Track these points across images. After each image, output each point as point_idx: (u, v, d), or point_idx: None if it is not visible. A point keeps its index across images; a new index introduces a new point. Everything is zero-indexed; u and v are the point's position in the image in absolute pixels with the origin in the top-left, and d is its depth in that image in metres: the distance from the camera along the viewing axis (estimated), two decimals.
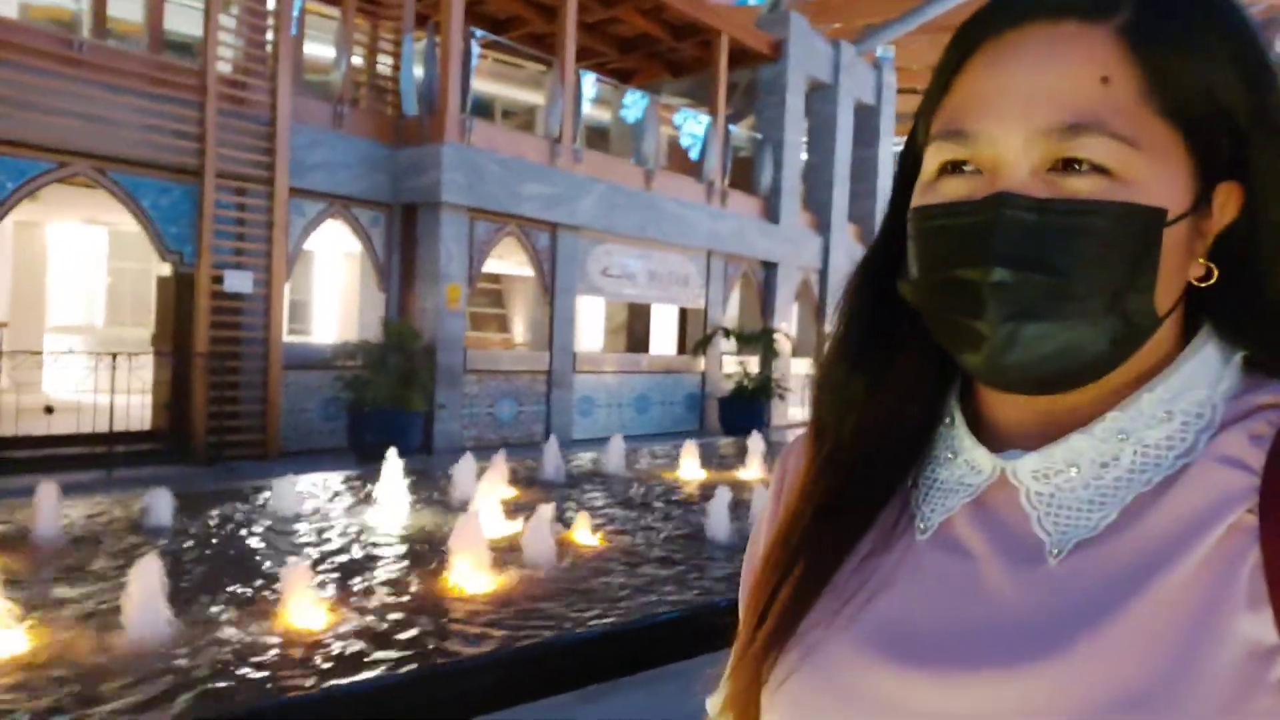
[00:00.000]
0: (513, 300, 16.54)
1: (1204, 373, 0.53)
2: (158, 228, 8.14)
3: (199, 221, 8.27)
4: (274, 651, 3.74)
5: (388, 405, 8.95)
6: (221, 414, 8.42)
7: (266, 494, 6.66)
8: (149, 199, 8.07)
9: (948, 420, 0.60)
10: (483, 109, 14.96)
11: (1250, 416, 0.50)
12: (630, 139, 13.13)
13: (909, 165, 0.58)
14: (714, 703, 0.65)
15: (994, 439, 0.57)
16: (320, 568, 4.91)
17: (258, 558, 5.22)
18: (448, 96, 9.70)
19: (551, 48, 12.04)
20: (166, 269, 8.59)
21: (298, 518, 6.16)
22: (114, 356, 7.88)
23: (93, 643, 3.70)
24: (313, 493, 7.02)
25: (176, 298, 8.48)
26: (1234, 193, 0.52)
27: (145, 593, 3.80)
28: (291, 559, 4.76)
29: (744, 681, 0.60)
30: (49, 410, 7.68)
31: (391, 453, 6.82)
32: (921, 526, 0.57)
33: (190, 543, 5.43)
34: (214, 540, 5.54)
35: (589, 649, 1.07)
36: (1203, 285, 0.53)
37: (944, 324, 0.53)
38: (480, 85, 12.50)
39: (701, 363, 13.44)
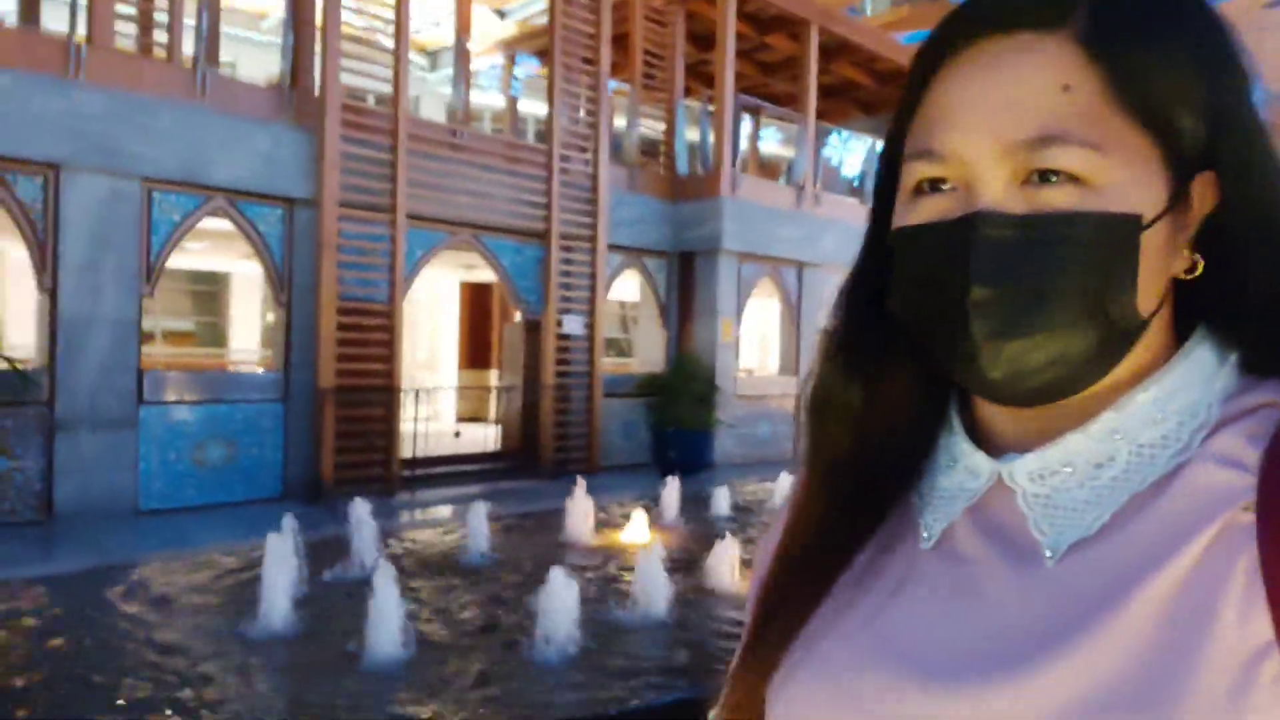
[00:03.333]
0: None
1: (1198, 373, 0.53)
2: (513, 282, 9.79)
3: (544, 275, 9.89)
4: None
5: (685, 427, 10.41)
6: (559, 435, 10.00)
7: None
8: (507, 258, 9.72)
9: (947, 428, 0.61)
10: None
11: (1246, 416, 0.50)
12: (839, 179, 14.40)
13: (886, 178, 0.59)
14: (715, 714, 0.66)
15: (993, 443, 0.57)
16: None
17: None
18: (721, 156, 11.17)
19: (778, 99, 13.46)
20: (515, 316, 10.23)
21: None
22: (494, 390, 9.54)
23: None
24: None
25: (525, 340, 10.10)
26: (1210, 181, 0.52)
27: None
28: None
29: (746, 690, 0.61)
30: (457, 434, 9.36)
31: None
32: (925, 535, 0.58)
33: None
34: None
35: None
36: (1190, 277, 0.52)
37: (929, 337, 0.54)
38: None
39: None
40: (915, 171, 0.53)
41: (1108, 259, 0.48)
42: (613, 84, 10.75)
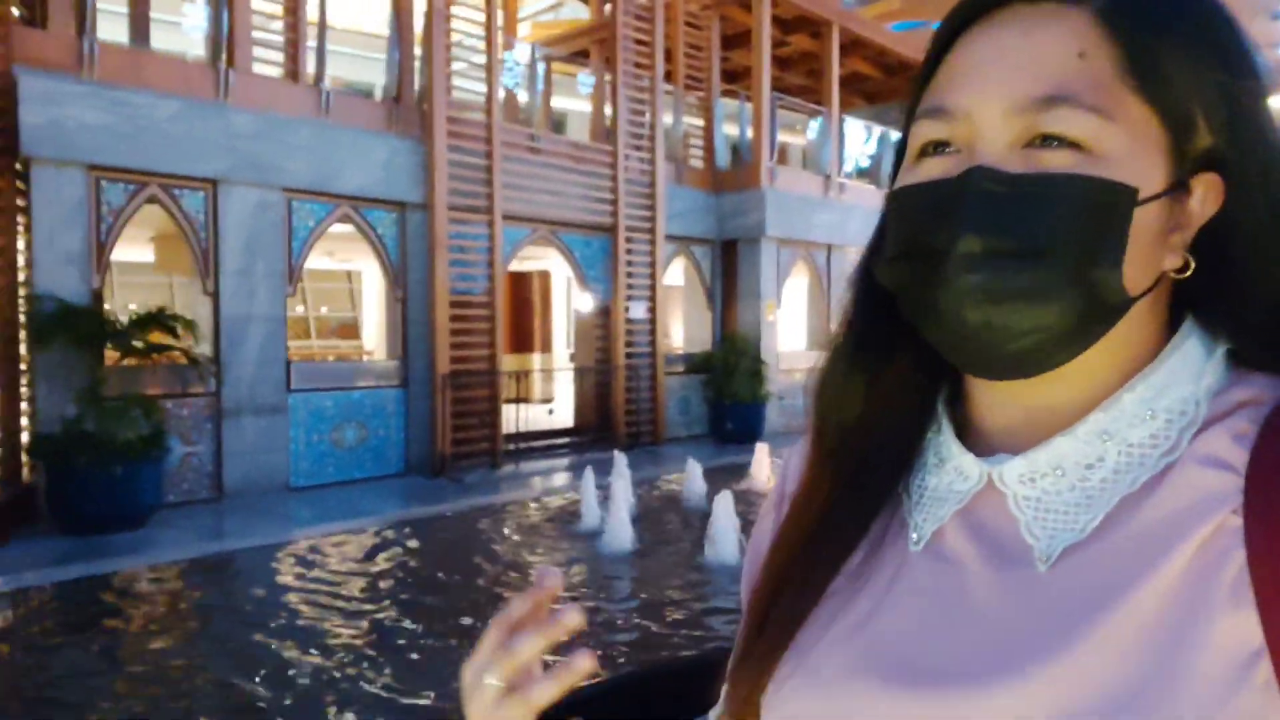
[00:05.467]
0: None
1: (1186, 369, 0.53)
2: (584, 271, 10.69)
3: (613, 265, 10.80)
4: None
5: (740, 400, 11.41)
6: (629, 410, 10.95)
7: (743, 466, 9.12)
8: (579, 251, 10.61)
9: (935, 426, 0.61)
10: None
11: (1233, 413, 0.50)
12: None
13: (902, 157, 0.58)
14: (715, 713, 0.67)
15: (981, 444, 0.58)
16: None
17: None
18: (760, 149, 12.12)
19: (790, 91, 14.41)
20: (585, 303, 11.14)
21: None
22: (576, 371, 10.45)
23: None
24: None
25: (595, 325, 11.02)
26: (1214, 185, 0.52)
27: None
28: None
29: (745, 690, 0.61)
30: (550, 412, 10.26)
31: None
32: (914, 537, 0.58)
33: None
34: None
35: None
36: (1181, 277, 0.53)
37: (914, 298, 0.54)
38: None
39: None
40: (922, 132, 0.54)
41: (1099, 225, 0.48)
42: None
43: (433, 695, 3.55)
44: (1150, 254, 0.51)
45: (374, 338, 15.02)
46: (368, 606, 4.79)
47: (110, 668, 3.90)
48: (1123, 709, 0.44)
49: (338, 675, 3.79)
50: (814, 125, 14.37)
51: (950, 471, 0.58)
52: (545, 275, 15.98)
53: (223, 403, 7.60)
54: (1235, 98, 0.50)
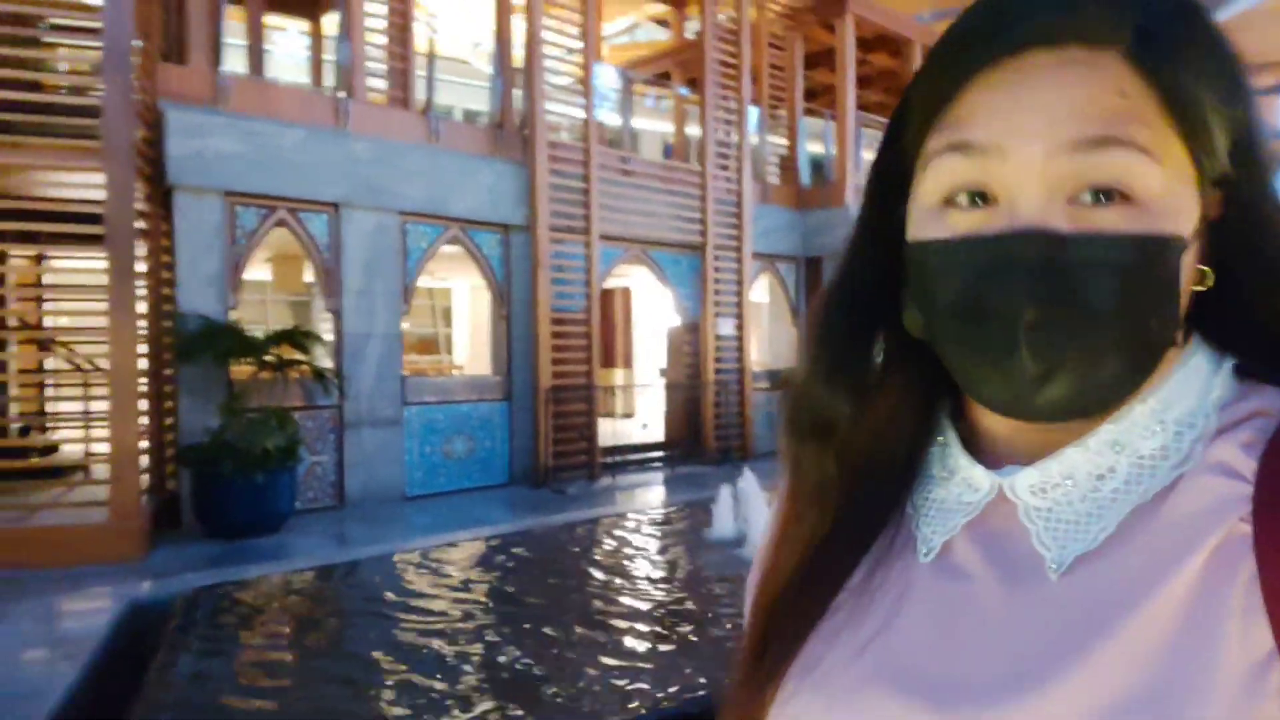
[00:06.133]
0: None
1: (1195, 382, 0.53)
2: (675, 289, 10.93)
3: (701, 283, 11.02)
4: None
5: None
6: (718, 425, 11.14)
7: None
8: (669, 269, 10.86)
9: (940, 439, 0.61)
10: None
11: (1242, 424, 0.51)
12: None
13: (885, 182, 0.58)
14: None
15: (989, 455, 0.57)
16: None
17: None
18: (844, 167, 12.27)
19: (868, 108, 14.54)
20: (675, 320, 11.38)
21: None
22: (666, 386, 10.68)
23: None
24: None
25: (685, 341, 11.25)
26: (1215, 200, 0.52)
27: None
28: None
29: (749, 708, 0.60)
30: (645, 426, 10.51)
31: None
32: (924, 550, 0.57)
33: None
34: None
35: None
36: (1200, 290, 0.53)
37: (966, 363, 0.53)
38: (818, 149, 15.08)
39: None
40: (947, 171, 0.52)
41: (1154, 282, 0.48)
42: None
43: (595, 688, 3.76)
44: (1187, 289, 0.52)
45: (464, 353, 15.46)
46: (509, 608, 5.03)
47: (289, 667, 4.19)
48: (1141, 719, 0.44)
49: (505, 676, 4.01)
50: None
51: (959, 483, 0.58)
52: (626, 292, 16.29)
53: (344, 415, 7.97)
54: (1245, 125, 0.51)
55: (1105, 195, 0.48)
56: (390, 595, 5.52)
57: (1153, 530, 0.49)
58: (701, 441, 11.01)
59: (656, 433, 11.76)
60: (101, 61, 5.97)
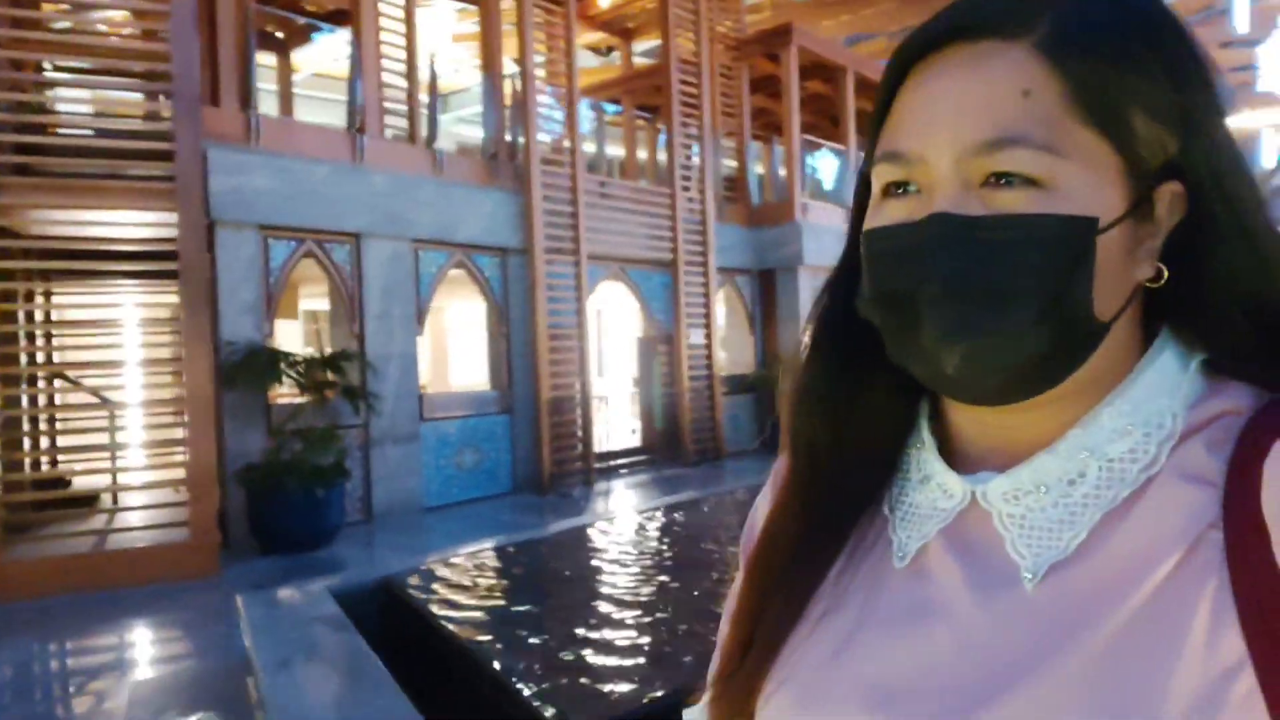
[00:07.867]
0: None
1: (1162, 381, 0.53)
2: (649, 305, 11.71)
3: (673, 298, 11.84)
4: None
5: None
6: (693, 428, 11.96)
7: None
8: (644, 285, 11.64)
9: (916, 440, 0.62)
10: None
11: (1210, 425, 0.51)
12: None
13: (863, 187, 0.60)
14: (691, 715, 0.68)
15: (964, 461, 0.58)
16: None
17: None
18: (794, 186, 13.29)
19: (811, 130, 15.66)
20: (644, 332, 12.16)
21: None
22: (641, 393, 11.44)
23: None
24: None
25: (660, 352, 12.04)
26: (1179, 191, 0.52)
27: None
28: None
29: (734, 706, 0.62)
30: (634, 431, 11.21)
31: None
32: (899, 555, 0.58)
33: None
34: None
35: None
36: (1155, 286, 0.53)
37: (893, 341, 0.55)
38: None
39: None
40: (883, 175, 0.55)
41: (1062, 261, 0.49)
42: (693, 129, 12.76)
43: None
44: (1120, 275, 0.52)
45: (460, 369, 15.94)
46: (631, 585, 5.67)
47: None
48: None
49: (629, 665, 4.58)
50: (834, 161, 15.70)
51: (934, 489, 0.59)
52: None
53: (370, 432, 8.47)
54: (1187, 110, 0.51)
55: (1009, 181, 0.50)
56: (459, 595, 5.99)
57: (1124, 539, 0.50)
58: (680, 444, 11.82)
59: (635, 438, 12.51)
60: (174, 108, 6.39)
